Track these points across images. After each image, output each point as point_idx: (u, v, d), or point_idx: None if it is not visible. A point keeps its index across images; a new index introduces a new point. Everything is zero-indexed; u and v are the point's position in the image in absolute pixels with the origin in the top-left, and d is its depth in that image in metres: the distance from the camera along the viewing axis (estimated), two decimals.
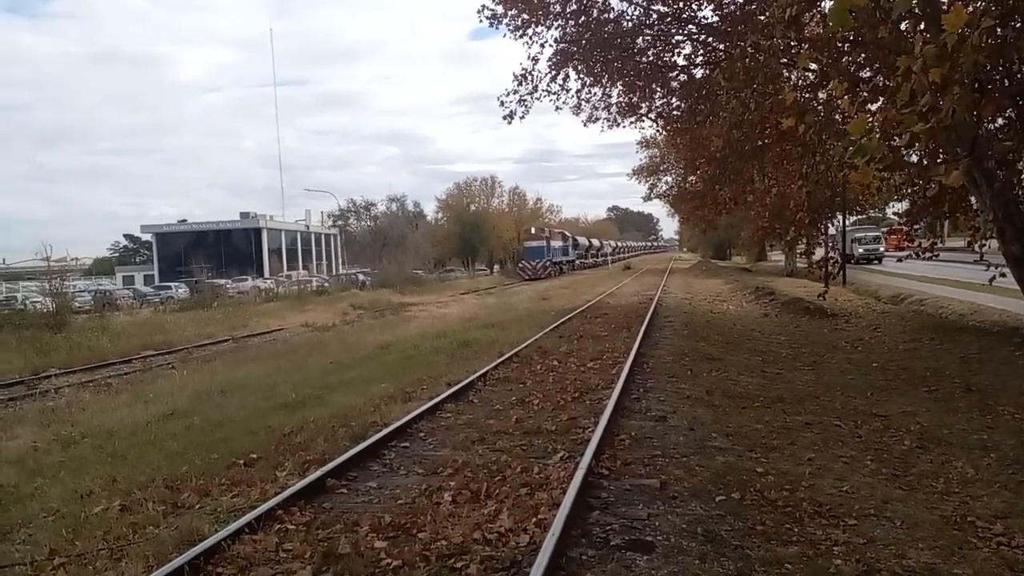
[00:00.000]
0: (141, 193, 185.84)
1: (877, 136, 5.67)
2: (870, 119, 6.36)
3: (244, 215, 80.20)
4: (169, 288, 49.05)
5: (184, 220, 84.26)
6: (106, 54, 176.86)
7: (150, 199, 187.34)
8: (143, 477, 6.65)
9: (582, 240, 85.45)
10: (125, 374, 16.72)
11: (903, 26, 9.54)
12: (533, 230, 64.49)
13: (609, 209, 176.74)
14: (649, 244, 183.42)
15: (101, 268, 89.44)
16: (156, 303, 40.23)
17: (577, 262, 77.17)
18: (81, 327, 23.44)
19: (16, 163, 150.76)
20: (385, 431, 7.52)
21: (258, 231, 77.29)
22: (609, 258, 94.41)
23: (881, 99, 10.38)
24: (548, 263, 60.13)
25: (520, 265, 61.87)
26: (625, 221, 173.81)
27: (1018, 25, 7.32)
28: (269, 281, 55.67)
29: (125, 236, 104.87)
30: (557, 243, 66.28)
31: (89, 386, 15.04)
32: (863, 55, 12.47)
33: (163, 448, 7.82)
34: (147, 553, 4.81)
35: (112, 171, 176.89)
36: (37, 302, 27.38)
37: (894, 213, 25.30)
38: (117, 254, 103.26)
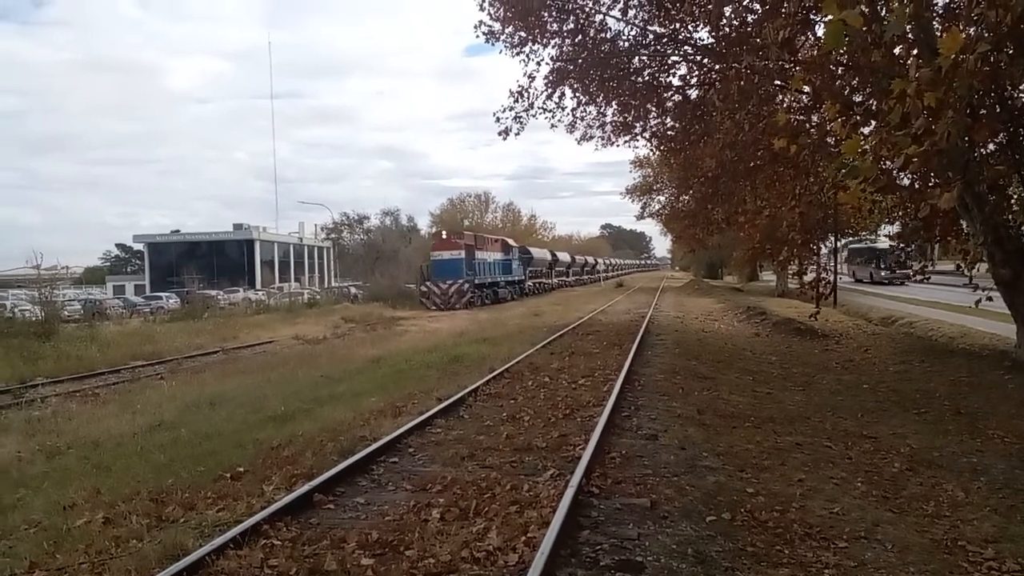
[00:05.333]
0: (133, 203, 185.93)
1: (870, 158, 5.71)
2: (863, 141, 6.41)
3: (237, 226, 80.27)
4: (160, 298, 48.98)
5: (177, 230, 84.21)
6: (98, 62, 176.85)
7: (142, 209, 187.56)
8: (128, 489, 6.56)
9: (539, 253, 63.02)
10: (113, 384, 16.54)
11: (896, 51, 9.64)
12: (444, 235, 43.08)
13: (602, 227, 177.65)
14: (641, 262, 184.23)
15: (92, 277, 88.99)
16: (146, 313, 40.05)
17: (530, 283, 55.74)
18: (70, 336, 23.25)
19: (7, 171, 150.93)
20: (374, 446, 7.45)
21: (251, 243, 77.32)
22: (602, 275, 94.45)
23: (873, 122, 10.50)
24: (465, 285, 39.62)
25: (423, 289, 40.75)
26: (618, 239, 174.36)
27: (1011, 52, 7.40)
28: (260, 293, 55.51)
29: (117, 245, 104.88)
30: (491, 255, 45.07)
31: (76, 396, 14.89)
32: (856, 79, 12.61)
33: (149, 460, 7.72)
34: (129, 568, 4.73)
35: (104, 180, 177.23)
36: (26, 310, 27.16)
37: (885, 235, 25.41)
38: (108, 263, 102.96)
